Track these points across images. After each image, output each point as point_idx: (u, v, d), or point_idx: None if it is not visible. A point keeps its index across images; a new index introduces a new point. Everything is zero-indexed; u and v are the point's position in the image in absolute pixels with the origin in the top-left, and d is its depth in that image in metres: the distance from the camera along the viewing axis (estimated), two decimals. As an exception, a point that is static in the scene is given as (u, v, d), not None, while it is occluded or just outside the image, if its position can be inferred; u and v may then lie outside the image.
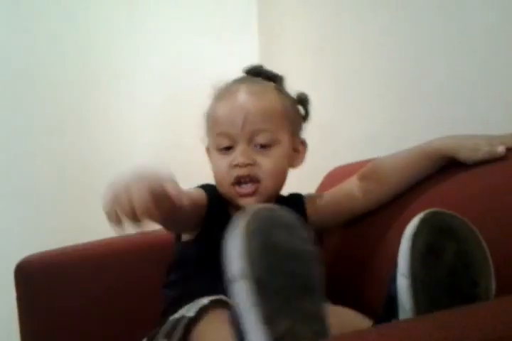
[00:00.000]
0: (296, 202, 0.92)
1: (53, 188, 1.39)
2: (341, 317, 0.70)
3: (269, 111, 0.86)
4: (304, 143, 0.92)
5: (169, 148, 1.49)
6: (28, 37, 1.37)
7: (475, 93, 0.96)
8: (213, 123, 0.89)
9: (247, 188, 0.85)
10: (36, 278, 0.98)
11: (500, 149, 0.76)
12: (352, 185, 0.91)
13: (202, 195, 0.88)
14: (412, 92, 1.08)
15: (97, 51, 1.43)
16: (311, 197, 0.94)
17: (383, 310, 0.64)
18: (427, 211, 0.63)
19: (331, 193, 0.94)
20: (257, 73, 0.92)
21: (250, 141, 0.85)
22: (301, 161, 0.92)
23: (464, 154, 0.79)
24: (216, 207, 0.88)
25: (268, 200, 0.87)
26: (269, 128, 0.86)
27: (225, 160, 0.86)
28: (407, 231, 0.62)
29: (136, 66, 1.47)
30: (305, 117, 0.93)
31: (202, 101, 1.46)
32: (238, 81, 0.90)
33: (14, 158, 1.36)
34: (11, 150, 1.36)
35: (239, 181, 0.85)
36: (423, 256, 0.60)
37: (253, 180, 0.85)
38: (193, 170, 1.45)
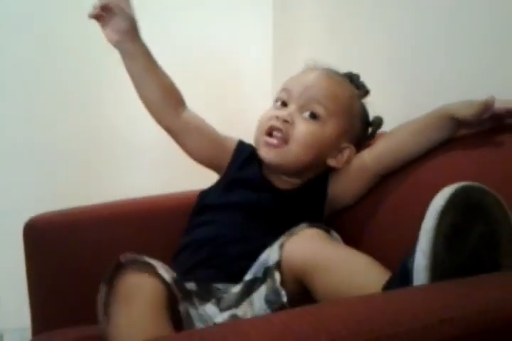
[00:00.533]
0: (320, 182, 0.92)
1: (65, 150, 1.40)
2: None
3: (335, 95, 0.90)
4: (351, 153, 0.91)
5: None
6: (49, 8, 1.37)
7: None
8: (285, 81, 0.94)
9: (272, 140, 0.88)
10: (44, 236, 0.99)
11: (491, 98, 0.77)
12: (362, 157, 0.91)
13: (228, 140, 0.97)
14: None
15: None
16: (333, 176, 0.93)
17: (396, 276, 0.63)
18: (456, 186, 0.57)
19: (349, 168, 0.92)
20: (349, 77, 0.95)
21: (303, 107, 0.89)
22: (337, 164, 0.91)
23: (463, 111, 0.79)
24: (242, 156, 0.94)
25: (284, 167, 0.89)
26: (326, 106, 0.88)
27: (272, 112, 0.90)
28: (433, 206, 0.56)
29: (150, 44, 1.46)
30: (367, 137, 0.94)
31: (215, 78, 1.48)
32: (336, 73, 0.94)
33: (29, 118, 1.37)
34: (25, 112, 1.37)
35: (270, 132, 0.88)
36: (447, 239, 0.56)
37: (283, 138, 0.87)
38: None
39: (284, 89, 0.91)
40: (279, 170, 0.90)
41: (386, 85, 1.00)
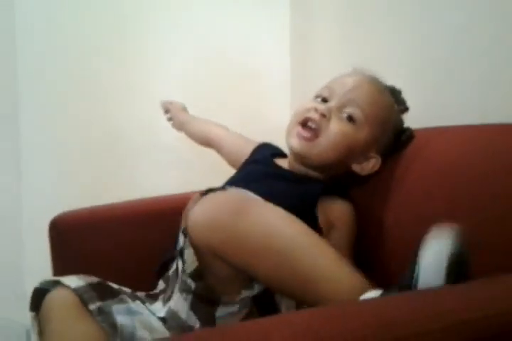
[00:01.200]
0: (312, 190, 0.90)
1: (82, 151, 1.42)
2: None
3: (375, 102, 0.91)
4: (377, 163, 0.91)
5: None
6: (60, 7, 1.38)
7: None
8: (329, 80, 0.94)
9: (306, 133, 0.89)
10: (68, 234, 1.01)
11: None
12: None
13: (246, 141, 1.09)
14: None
15: (129, 20, 1.42)
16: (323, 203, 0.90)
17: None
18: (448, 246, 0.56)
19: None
20: (392, 90, 0.95)
21: (343, 107, 0.89)
22: (361, 170, 0.91)
23: None
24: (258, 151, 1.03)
25: (308, 159, 0.91)
26: (364, 111, 0.89)
27: (311, 103, 0.91)
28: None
29: (166, 37, 1.46)
30: (394, 147, 0.93)
31: (231, 78, 1.48)
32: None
33: (50, 115, 1.39)
34: (45, 108, 1.39)
35: (305, 123, 0.89)
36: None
37: (316, 131, 0.88)
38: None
39: (327, 87, 0.93)
40: (304, 161, 0.92)
41: (401, 85, 0.99)
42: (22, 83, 1.36)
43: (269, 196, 0.79)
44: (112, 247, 1.00)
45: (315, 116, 0.88)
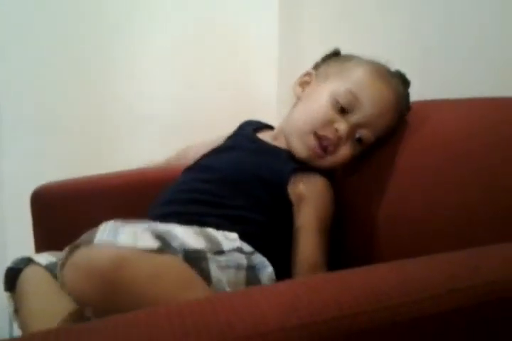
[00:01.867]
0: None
1: (75, 121, 1.39)
2: None
3: (386, 127, 0.89)
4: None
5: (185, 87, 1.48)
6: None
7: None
8: (357, 82, 0.88)
9: (319, 150, 0.87)
10: (50, 204, 1.00)
11: None
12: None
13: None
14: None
15: (119, 6, 1.40)
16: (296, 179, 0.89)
17: None
18: None
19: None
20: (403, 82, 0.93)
21: (359, 126, 0.87)
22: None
23: None
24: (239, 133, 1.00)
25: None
26: (376, 135, 0.89)
27: (331, 111, 0.87)
28: None
29: (154, 13, 1.43)
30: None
31: (220, 54, 1.46)
32: (391, 74, 0.92)
33: (29, 88, 1.36)
34: (23, 81, 1.36)
35: (320, 137, 0.87)
36: None
37: (328, 149, 0.87)
38: (211, 121, 1.47)
39: (352, 94, 0.87)
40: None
41: (398, 54, 0.98)
42: (1, 53, 1.32)
43: (237, 166, 0.81)
44: (96, 218, 0.98)
45: (334, 139, 0.87)
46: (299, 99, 0.95)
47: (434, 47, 1.06)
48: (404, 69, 0.94)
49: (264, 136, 0.97)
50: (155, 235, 0.65)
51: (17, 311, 0.74)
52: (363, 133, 0.88)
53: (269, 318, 0.41)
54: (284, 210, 0.85)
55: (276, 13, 1.45)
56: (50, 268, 0.72)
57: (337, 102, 0.87)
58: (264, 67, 1.49)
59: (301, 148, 0.88)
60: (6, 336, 1.41)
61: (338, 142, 0.87)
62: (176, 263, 0.65)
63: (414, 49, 1.09)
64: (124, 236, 0.63)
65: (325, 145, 0.87)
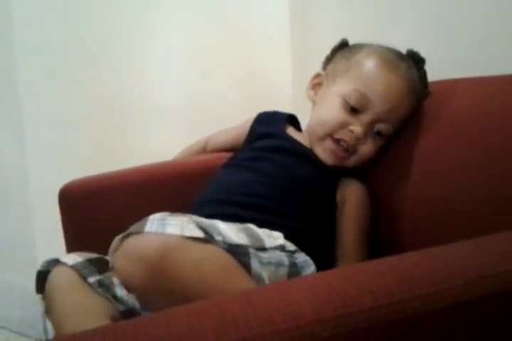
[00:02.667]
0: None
1: (89, 116, 1.40)
2: None
3: (405, 115, 0.89)
4: None
5: (196, 76, 1.48)
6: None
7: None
8: (364, 79, 0.88)
9: (340, 152, 0.89)
10: (78, 202, 1.01)
11: None
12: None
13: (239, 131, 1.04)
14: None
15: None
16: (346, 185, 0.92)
17: None
18: None
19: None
20: (416, 65, 0.91)
21: (375, 122, 0.87)
22: None
23: None
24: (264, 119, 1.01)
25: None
26: (394, 125, 0.89)
27: (343, 114, 0.88)
28: None
29: (170, 10, 1.43)
30: None
31: (232, 42, 1.45)
32: (402, 58, 0.90)
33: (50, 86, 1.37)
34: (44, 77, 1.37)
35: (338, 140, 0.88)
36: None
37: (349, 151, 0.89)
38: (222, 97, 1.47)
39: (361, 94, 0.87)
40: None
41: (410, 31, 0.98)
42: (19, 55, 1.34)
43: (293, 179, 0.84)
44: (124, 213, 1.00)
45: (351, 139, 0.88)
46: (313, 102, 0.96)
47: (449, 25, 1.05)
48: (419, 42, 0.94)
49: (297, 135, 0.97)
50: (199, 227, 0.68)
51: (48, 312, 0.76)
52: (381, 127, 0.88)
53: (305, 310, 0.41)
54: (330, 213, 0.89)
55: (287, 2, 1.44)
56: (77, 268, 0.73)
57: (347, 103, 0.88)
58: (277, 54, 1.48)
59: (325, 156, 0.90)
60: (42, 336, 1.45)
61: (356, 142, 0.88)
62: (220, 253, 0.68)
63: (428, 18, 1.08)
64: (172, 227, 0.67)
65: (345, 147, 0.88)
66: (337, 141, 0.88)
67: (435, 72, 0.92)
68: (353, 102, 0.87)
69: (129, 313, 0.71)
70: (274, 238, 0.77)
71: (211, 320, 0.41)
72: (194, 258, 0.66)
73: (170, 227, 0.67)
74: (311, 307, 0.42)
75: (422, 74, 0.92)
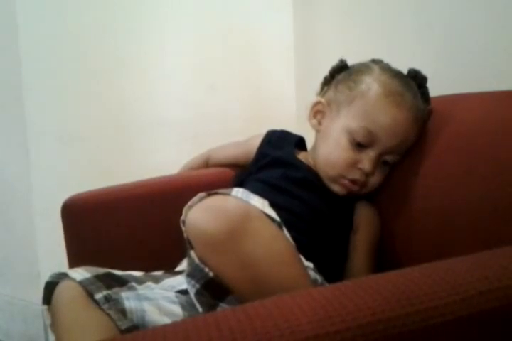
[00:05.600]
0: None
1: (93, 129, 1.41)
2: None
3: (412, 143, 0.90)
4: None
5: (201, 90, 1.49)
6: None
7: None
8: (369, 115, 0.88)
9: (354, 187, 0.90)
10: (81, 216, 1.01)
11: None
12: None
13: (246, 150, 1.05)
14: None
15: (136, 10, 1.42)
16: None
17: None
18: None
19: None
20: (419, 84, 0.92)
21: (383, 154, 0.89)
22: None
23: None
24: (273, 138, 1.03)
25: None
26: (400, 155, 0.90)
27: (350, 153, 0.89)
28: None
29: (174, 24, 1.45)
30: None
31: (234, 44, 1.47)
32: (406, 86, 0.89)
33: (55, 96, 1.38)
34: (50, 89, 1.38)
35: (351, 180, 0.90)
36: None
37: (361, 185, 0.91)
38: (225, 110, 1.48)
39: (369, 132, 0.87)
40: None
41: (411, 46, 0.98)
42: (25, 68, 1.35)
43: (311, 215, 0.86)
44: (126, 227, 1.01)
45: (362, 177, 0.89)
46: (317, 131, 0.97)
47: (450, 37, 1.06)
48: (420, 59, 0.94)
49: (305, 159, 0.98)
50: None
51: (52, 325, 0.76)
52: (388, 158, 0.90)
53: (303, 326, 0.41)
54: (347, 234, 0.92)
55: (291, 11, 1.46)
56: (85, 284, 0.73)
57: (354, 139, 0.88)
58: (281, 67, 1.50)
59: (338, 189, 0.92)
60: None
61: (365, 177, 0.90)
62: (289, 239, 0.72)
63: (428, 34, 1.09)
64: (255, 202, 0.73)
65: (357, 183, 0.90)
66: (350, 180, 0.90)
67: (436, 88, 0.93)
68: (360, 139, 0.88)
69: (130, 332, 0.70)
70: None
71: (208, 335, 0.41)
72: (272, 233, 0.70)
73: (253, 201, 0.72)
74: (309, 323, 0.42)
75: (425, 92, 0.92)
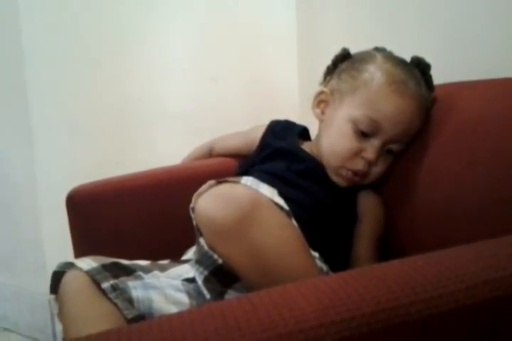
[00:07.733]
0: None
1: (97, 120, 1.41)
2: None
3: (416, 132, 0.89)
4: None
5: (204, 82, 1.49)
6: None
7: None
8: (373, 104, 0.87)
9: (356, 178, 0.90)
10: (86, 206, 1.02)
11: None
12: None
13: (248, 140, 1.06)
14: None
15: (141, 4, 1.41)
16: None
17: None
18: None
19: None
20: (422, 71, 0.91)
21: (387, 143, 0.88)
22: None
23: None
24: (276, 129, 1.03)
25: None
26: (406, 142, 0.90)
27: (355, 142, 0.88)
28: None
29: (179, 19, 1.45)
30: None
31: (236, 36, 1.47)
32: (409, 74, 0.88)
33: (59, 87, 1.38)
34: (54, 80, 1.38)
35: (353, 170, 0.89)
36: None
37: (364, 175, 0.90)
38: (228, 102, 1.48)
39: (372, 121, 0.87)
40: None
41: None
42: (29, 63, 1.35)
43: (315, 205, 0.86)
44: (131, 218, 1.01)
45: (365, 167, 0.89)
46: (321, 121, 0.96)
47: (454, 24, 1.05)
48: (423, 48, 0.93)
49: (308, 149, 0.98)
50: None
51: (59, 314, 0.77)
52: (392, 146, 0.89)
53: (308, 315, 0.42)
54: (351, 224, 0.92)
55: (293, 2, 1.45)
56: (92, 274, 0.74)
57: (358, 128, 0.88)
58: (283, 59, 1.49)
59: (339, 181, 0.92)
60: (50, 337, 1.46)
61: (368, 167, 0.89)
62: (297, 228, 0.73)
63: (431, 22, 1.08)
64: (264, 190, 0.74)
65: (359, 174, 0.89)
66: (352, 171, 0.90)
67: (439, 75, 0.92)
68: (363, 128, 0.87)
69: (137, 321, 0.71)
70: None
71: (214, 324, 0.41)
72: (280, 221, 0.71)
73: (262, 189, 0.74)
74: (313, 312, 0.42)
75: (428, 79, 0.91)
